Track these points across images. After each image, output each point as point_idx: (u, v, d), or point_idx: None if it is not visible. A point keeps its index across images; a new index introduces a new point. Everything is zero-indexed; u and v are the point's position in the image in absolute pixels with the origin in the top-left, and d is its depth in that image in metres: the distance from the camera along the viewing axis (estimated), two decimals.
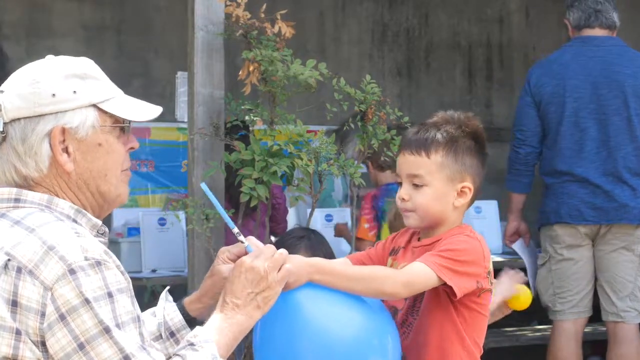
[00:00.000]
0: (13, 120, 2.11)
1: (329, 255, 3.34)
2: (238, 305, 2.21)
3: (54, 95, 2.11)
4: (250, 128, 4.79)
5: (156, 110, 2.25)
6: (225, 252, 2.42)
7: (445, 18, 8.06)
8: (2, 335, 1.96)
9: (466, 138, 2.56)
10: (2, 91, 2.14)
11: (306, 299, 2.34)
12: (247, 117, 4.47)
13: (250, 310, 2.22)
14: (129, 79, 6.71)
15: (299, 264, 2.37)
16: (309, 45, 7.50)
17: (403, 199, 2.55)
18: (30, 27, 6.86)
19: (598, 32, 5.03)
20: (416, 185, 2.54)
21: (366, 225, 5.20)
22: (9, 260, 1.99)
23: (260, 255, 2.28)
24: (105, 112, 2.16)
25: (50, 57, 2.21)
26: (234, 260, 2.36)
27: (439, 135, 2.54)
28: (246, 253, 2.34)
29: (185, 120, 4.74)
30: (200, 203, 4.39)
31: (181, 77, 4.96)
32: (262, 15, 4.31)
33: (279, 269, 2.28)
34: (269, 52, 4.21)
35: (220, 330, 2.17)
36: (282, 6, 4.42)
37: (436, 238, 2.55)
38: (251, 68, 4.25)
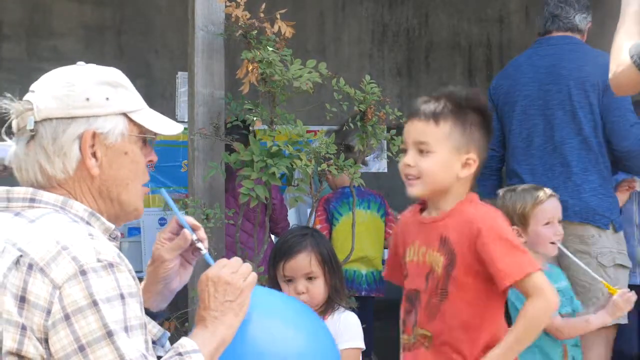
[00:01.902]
0: (44, 120, 2.13)
1: (331, 251, 3.34)
2: (217, 317, 2.22)
3: (87, 99, 2.15)
4: (251, 129, 4.80)
5: (178, 127, 2.29)
6: (162, 233, 2.43)
7: (445, 18, 8.06)
8: (7, 330, 1.97)
9: (474, 112, 2.59)
10: (32, 91, 2.18)
11: (250, 318, 2.30)
12: (247, 117, 4.47)
13: (229, 319, 2.23)
14: (130, 80, 6.70)
15: None
16: (309, 45, 7.51)
17: (408, 164, 2.57)
18: (30, 27, 6.86)
19: (556, 35, 5.01)
20: (422, 152, 2.56)
21: (318, 227, 5.23)
22: (21, 256, 2.00)
23: (226, 265, 2.29)
24: (133, 122, 2.21)
25: (81, 64, 2.25)
26: (171, 240, 2.38)
27: (449, 105, 2.57)
28: (181, 228, 2.36)
29: (186, 120, 4.76)
30: (200, 203, 4.40)
31: (181, 77, 4.99)
32: (262, 15, 4.31)
33: (247, 276, 2.28)
34: (267, 54, 4.20)
35: (203, 342, 2.18)
36: (282, 6, 4.42)
37: (446, 214, 2.58)
38: (250, 67, 4.25)
